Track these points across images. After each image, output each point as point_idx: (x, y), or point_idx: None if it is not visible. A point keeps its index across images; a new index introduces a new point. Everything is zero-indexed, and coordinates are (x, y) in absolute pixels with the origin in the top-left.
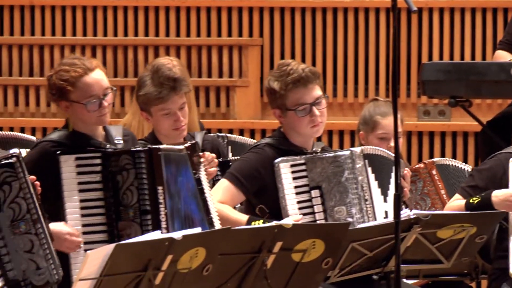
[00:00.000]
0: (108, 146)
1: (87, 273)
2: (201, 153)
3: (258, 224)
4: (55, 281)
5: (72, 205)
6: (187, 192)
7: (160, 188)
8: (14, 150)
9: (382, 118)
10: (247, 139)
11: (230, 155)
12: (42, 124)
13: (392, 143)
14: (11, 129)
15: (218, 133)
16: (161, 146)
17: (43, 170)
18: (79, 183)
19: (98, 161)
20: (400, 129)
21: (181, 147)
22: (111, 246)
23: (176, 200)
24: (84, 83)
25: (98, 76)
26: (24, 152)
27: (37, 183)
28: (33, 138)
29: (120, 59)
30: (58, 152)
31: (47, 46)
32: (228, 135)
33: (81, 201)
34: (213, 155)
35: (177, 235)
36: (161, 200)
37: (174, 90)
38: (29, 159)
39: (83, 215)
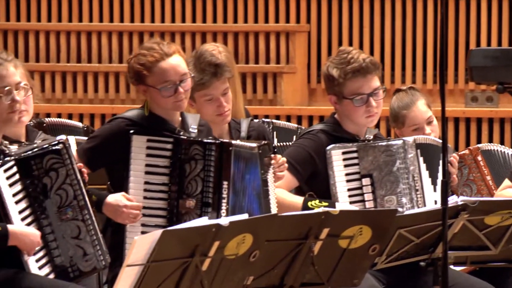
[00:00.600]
0: (182, 133)
1: (134, 259)
2: (272, 155)
3: (315, 204)
4: (102, 267)
5: (136, 185)
6: (252, 191)
7: (225, 183)
8: (61, 137)
9: (408, 111)
10: (291, 125)
11: (275, 141)
12: (89, 110)
13: (427, 130)
14: (59, 116)
15: (263, 119)
16: (233, 142)
17: (113, 146)
18: (147, 165)
19: (169, 146)
20: (429, 114)
21: (254, 145)
22: (159, 232)
23: (240, 197)
24: (160, 68)
25: (175, 62)
26: (72, 138)
27: (84, 170)
28: (80, 124)
29: None
30: (132, 131)
31: (94, 32)
32: (274, 120)
33: (146, 183)
34: (284, 159)
35: (224, 221)
36: (225, 195)
37: (215, 75)
38: (101, 132)
39: (145, 197)
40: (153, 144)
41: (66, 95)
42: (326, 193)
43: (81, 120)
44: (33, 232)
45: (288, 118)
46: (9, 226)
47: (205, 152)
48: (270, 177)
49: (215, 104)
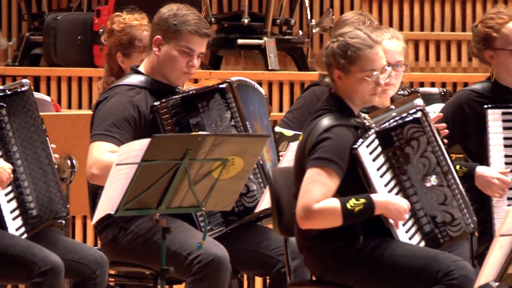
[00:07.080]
0: None
1: (507, 229)
2: None
3: None
4: (471, 231)
5: (496, 160)
6: None
7: None
8: (418, 101)
9: None
10: None
11: None
12: (463, 79)
13: None
14: (432, 85)
15: None
16: None
17: (461, 119)
18: (505, 138)
19: None
20: None
21: None
22: None
23: None
24: (509, 29)
25: None
26: (439, 107)
27: (446, 131)
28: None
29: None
30: (486, 106)
31: (469, 0)
32: None
33: (506, 156)
34: None
35: None
36: None
37: None
38: (448, 109)
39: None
40: (509, 117)
41: (439, 64)
42: None
43: (454, 89)
44: (399, 201)
45: None
46: (373, 196)
47: None
48: None
49: None
